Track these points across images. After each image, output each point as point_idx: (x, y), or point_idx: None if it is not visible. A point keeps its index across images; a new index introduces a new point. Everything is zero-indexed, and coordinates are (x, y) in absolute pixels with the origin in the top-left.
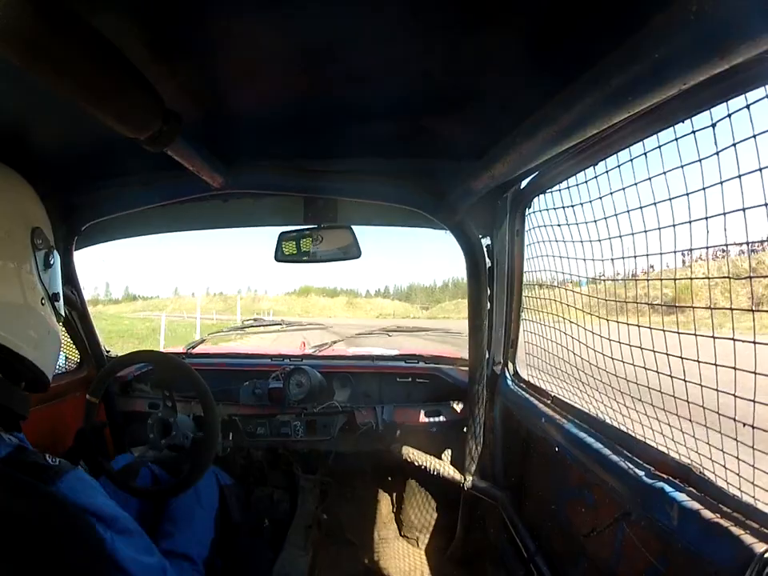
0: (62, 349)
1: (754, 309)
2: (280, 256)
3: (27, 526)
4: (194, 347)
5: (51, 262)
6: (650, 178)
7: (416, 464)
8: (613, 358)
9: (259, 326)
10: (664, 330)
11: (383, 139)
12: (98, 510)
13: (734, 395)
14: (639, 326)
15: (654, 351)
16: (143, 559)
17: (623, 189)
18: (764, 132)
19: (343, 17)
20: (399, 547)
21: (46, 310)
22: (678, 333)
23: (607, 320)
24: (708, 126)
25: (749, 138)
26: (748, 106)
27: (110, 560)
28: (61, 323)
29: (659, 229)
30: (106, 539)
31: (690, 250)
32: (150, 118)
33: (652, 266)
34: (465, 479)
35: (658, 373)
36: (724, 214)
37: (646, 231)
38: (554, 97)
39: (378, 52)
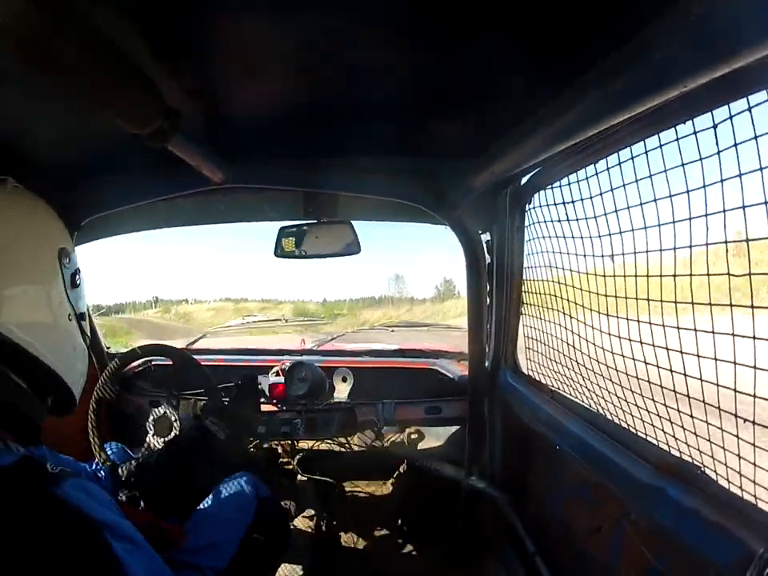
0: None
1: (753, 305)
2: (280, 252)
3: (24, 529)
4: (193, 343)
5: (78, 282)
6: (650, 176)
7: (416, 463)
8: (613, 353)
9: (260, 321)
10: (663, 326)
11: (383, 137)
12: (99, 515)
13: (734, 389)
14: (639, 321)
15: (654, 345)
16: (145, 568)
17: (623, 186)
18: (765, 134)
19: (343, 17)
20: (399, 546)
21: (72, 326)
22: (678, 328)
23: (607, 315)
24: (709, 128)
25: (749, 139)
26: (750, 109)
27: (111, 565)
28: (87, 344)
29: (659, 225)
30: (107, 544)
31: (690, 246)
32: (151, 115)
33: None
34: (465, 478)
35: (658, 367)
36: (723, 211)
37: (645, 228)
38: (555, 97)
39: (377, 51)
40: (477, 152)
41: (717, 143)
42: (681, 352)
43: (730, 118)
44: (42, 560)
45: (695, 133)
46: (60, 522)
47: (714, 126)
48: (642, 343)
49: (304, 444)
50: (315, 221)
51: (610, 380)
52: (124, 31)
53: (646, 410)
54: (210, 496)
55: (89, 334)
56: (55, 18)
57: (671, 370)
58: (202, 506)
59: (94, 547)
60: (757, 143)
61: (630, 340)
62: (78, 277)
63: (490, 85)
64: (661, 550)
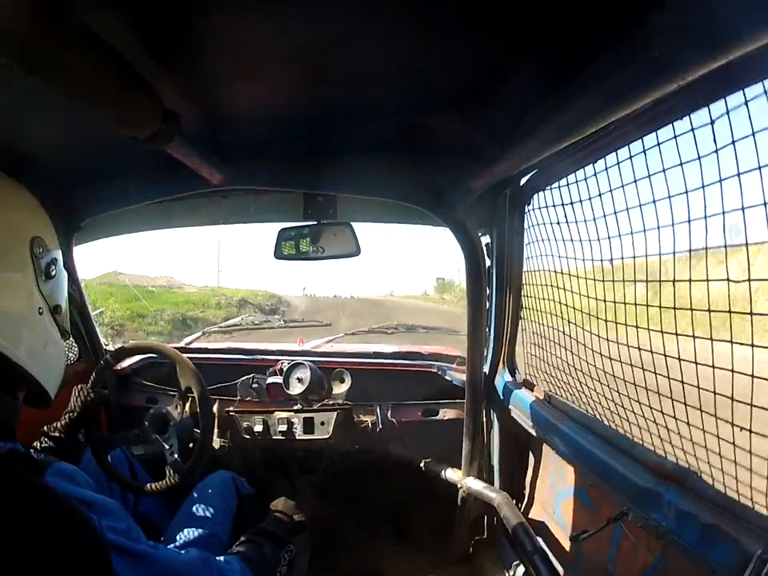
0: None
1: (752, 312)
2: (279, 254)
3: (15, 518)
4: (191, 342)
5: (53, 273)
6: (649, 176)
7: (414, 464)
8: (611, 358)
9: (258, 322)
10: (662, 332)
11: (383, 137)
12: (82, 496)
13: (731, 398)
14: (638, 327)
15: (652, 352)
16: (127, 543)
17: (623, 186)
18: (764, 129)
19: (342, 16)
20: (397, 547)
21: (44, 320)
22: (677, 334)
23: (606, 320)
24: (707, 124)
25: (747, 135)
26: (746, 102)
27: (101, 541)
28: (65, 339)
29: (658, 228)
30: (94, 521)
31: (690, 251)
32: (149, 118)
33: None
34: (462, 479)
35: (656, 373)
36: (723, 213)
37: (645, 231)
38: (553, 95)
39: (377, 51)
40: (476, 152)
41: (714, 139)
42: (678, 359)
43: (727, 112)
44: (33, 550)
45: (692, 129)
46: (45, 507)
47: (712, 122)
48: (640, 349)
49: (301, 444)
50: (315, 222)
51: (608, 385)
52: (122, 33)
53: (643, 415)
54: (194, 493)
55: (68, 329)
56: (53, 21)
57: (668, 377)
58: (188, 502)
59: (77, 524)
60: (754, 137)
61: (628, 346)
62: (53, 268)
63: (488, 85)
64: (658, 551)
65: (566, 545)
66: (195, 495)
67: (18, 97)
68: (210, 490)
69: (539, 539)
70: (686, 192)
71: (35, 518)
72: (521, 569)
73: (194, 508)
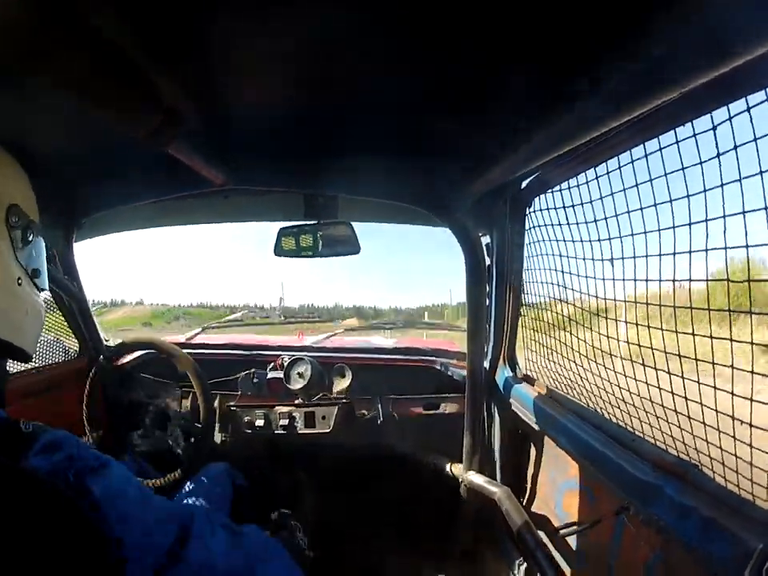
0: (61, 339)
1: (751, 311)
2: (279, 251)
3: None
4: (192, 337)
5: (29, 238)
6: (650, 180)
7: (415, 459)
8: (611, 354)
9: (258, 318)
10: (662, 329)
11: (384, 138)
12: (74, 454)
13: (731, 393)
14: (638, 324)
15: (653, 348)
16: (121, 476)
17: (624, 190)
18: (765, 136)
19: (343, 17)
20: (399, 541)
21: (23, 289)
22: (677, 332)
23: (606, 317)
24: (708, 130)
25: (749, 141)
26: (749, 109)
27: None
28: (42, 298)
29: (659, 230)
30: (87, 487)
31: (690, 251)
32: (150, 117)
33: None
34: (464, 474)
35: (656, 369)
36: (724, 216)
37: (645, 232)
38: (555, 99)
39: (377, 52)
40: (478, 154)
41: (716, 145)
42: (679, 355)
43: (729, 119)
44: (16, 535)
45: (695, 135)
46: (28, 493)
47: (714, 128)
48: (640, 345)
49: (302, 438)
50: (315, 221)
51: (608, 380)
52: (123, 34)
53: (644, 409)
54: (189, 483)
55: (46, 287)
56: (54, 19)
57: (669, 372)
58: (183, 493)
59: (63, 505)
60: (756, 144)
61: (628, 342)
62: (30, 233)
63: (490, 87)
64: (659, 545)
65: (568, 539)
66: (191, 485)
67: (20, 94)
68: (204, 480)
69: (541, 534)
70: (687, 196)
71: (22, 507)
72: (522, 564)
73: (189, 498)
